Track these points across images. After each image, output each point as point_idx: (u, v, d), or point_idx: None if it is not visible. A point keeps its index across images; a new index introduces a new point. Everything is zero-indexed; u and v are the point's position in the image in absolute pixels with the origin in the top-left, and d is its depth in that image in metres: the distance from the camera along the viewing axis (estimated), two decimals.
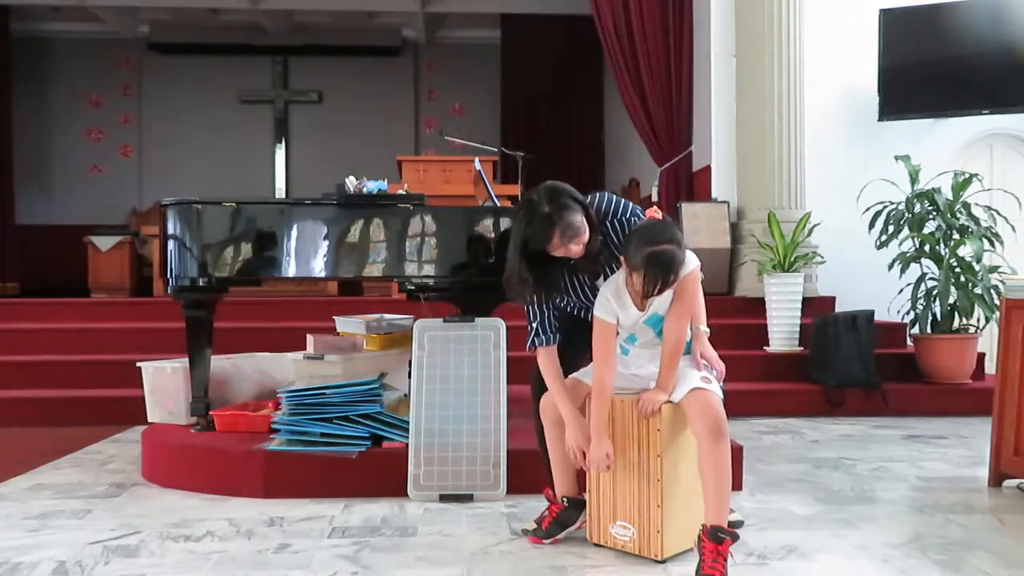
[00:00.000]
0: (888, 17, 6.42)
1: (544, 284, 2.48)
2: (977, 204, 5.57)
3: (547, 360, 2.53)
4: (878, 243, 5.61)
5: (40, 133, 11.40)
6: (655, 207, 2.47)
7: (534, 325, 2.55)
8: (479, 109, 11.76)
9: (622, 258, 2.37)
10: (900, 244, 5.59)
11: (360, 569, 2.40)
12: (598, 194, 2.53)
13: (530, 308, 2.56)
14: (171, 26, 11.31)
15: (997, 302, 5.12)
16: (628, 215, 2.48)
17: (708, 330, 2.57)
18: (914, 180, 5.66)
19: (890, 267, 5.55)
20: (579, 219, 2.34)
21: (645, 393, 2.42)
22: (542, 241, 2.35)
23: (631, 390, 2.51)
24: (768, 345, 5.61)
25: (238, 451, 3.25)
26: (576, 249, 2.38)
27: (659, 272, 2.25)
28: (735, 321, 5.82)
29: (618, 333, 2.48)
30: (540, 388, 2.63)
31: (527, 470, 3.09)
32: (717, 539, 2.24)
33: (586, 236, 2.37)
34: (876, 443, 4.26)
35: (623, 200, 2.51)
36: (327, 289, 7.51)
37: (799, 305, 5.56)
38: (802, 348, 5.53)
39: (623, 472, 2.47)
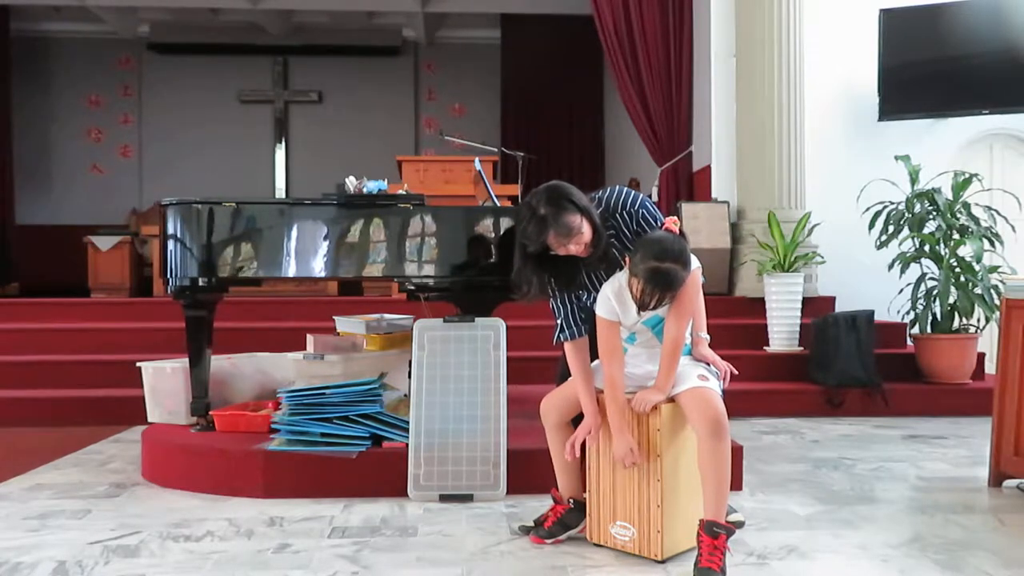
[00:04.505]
0: (888, 17, 6.43)
1: (556, 281, 2.48)
2: (977, 204, 5.57)
3: (575, 353, 2.54)
4: (878, 243, 5.61)
5: (40, 133, 11.38)
6: (674, 219, 2.44)
7: (559, 320, 2.56)
8: (479, 109, 11.75)
9: (627, 259, 2.37)
10: (900, 244, 5.59)
11: (360, 569, 2.40)
12: (609, 188, 2.53)
13: (553, 304, 2.57)
14: (171, 26, 11.31)
15: (997, 302, 5.12)
16: (637, 207, 2.47)
17: (708, 337, 2.58)
18: (914, 180, 5.66)
19: (890, 267, 5.55)
20: (576, 220, 2.33)
21: (641, 391, 2.43)
22: (538, 242, 2.36)
23: (628, 388, 2.51)
24: (768, 345, 5.61)
25: (238, 451, 3.25)
26: (576, 249, 2.38)
27: (657, 289, 2.27)
28: (735, 321, 5.82)
29: None
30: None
31: (527, 470, 3.10)
32: (713, 533, 2.27)
33: (586, 236, 2.37)
34: (876, 443, 4.26)
35: (633, 192, 2.51)
36: (327, 289, 7.51)
37: (799, 305, 5.56)
38: (802, 348, 5.53)
39: (623, 472, 2.47)
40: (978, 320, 5.41)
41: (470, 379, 3.18)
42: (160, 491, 3.33)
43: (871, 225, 5.66)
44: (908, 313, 5.52)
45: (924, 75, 6.37)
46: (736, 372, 2.56)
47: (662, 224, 2.45)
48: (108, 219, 10.48)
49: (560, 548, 2.57)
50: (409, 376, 3.33)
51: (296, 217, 3.53)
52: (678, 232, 2.40)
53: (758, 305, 5.87)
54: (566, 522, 2.63)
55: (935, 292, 5.32)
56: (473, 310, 3.34)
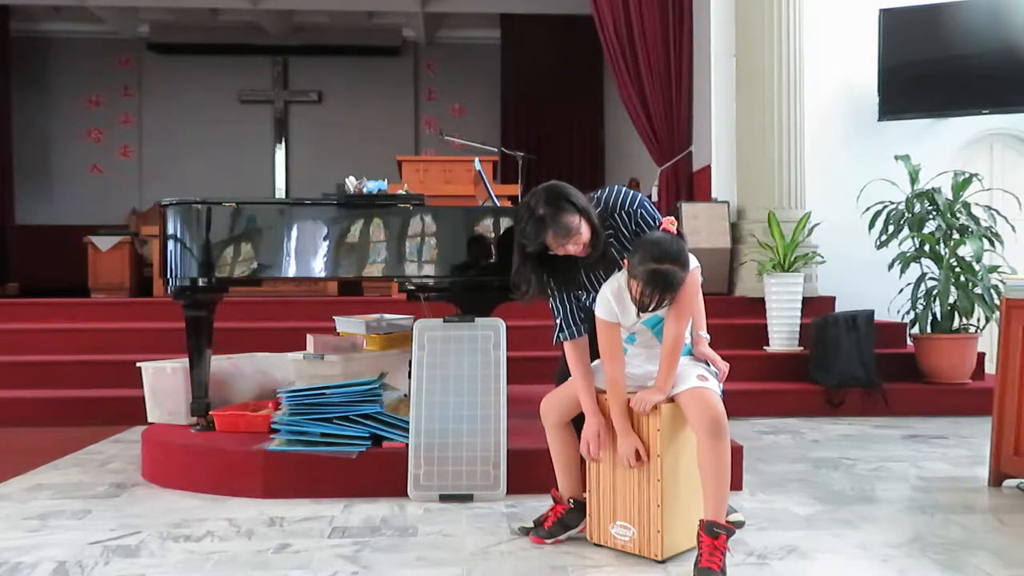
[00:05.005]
0: (888, 17, 6.43)
1: (555, 280, 2.49)
2: (977, 204, 5.57)
3: (574, 353, 2.54)
4: (878, 243, 5.61)
5: (40, 133, 11.39)
6: (671, 219, 2.44)
7: (558, 320, 2.56)
8: (479, 109, 11.75)
9: (625, 261, 2.37)
10: (900, 244, 5.59)
11: (360, 569, 2.40)
12: (608, 188, 2.53)
13: (552, 304, 2.57)
14: (171, 26, 11.31)
15: (997, 302, 5.12)
16: (636, 207, 2.47)
17: (708, 336, 2.57)
18: (914, 180, 5.66)
19: (890, 267, 5.55)
20: (574, 220, 2.33)
21: (641, 392, 2.43)
22: (536, 241, 2.36)
23: (628, 388, 2.51)
24: (768, 345, 5.61)
25: (238, 451, 3.25)
26: (574, 249, 2.38)
27: (657, 290, 2.27)
28: (735, 321, 5.82)
29: None
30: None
31: (527, 470, 3.10)
32: (713, 534, 2.27)
33: (584, 236, 2.37)
34: (876, 443, 4.26)
35: (631, 191, 2.51)
36: (327, 289, 7.51)
37: (799, 305, 5.56)
38: (802, 348, 5.53)
39: (623, 472, 2.47)
40: (978, 320, 5.41)
41: (470, 379, 3.18)
42: (160, 491, 3.33)
43: (871, 225, 5.66)
44: (908, 313, 5.52)
45: (924, 75, 6.37)
46: (726, 369, 2.55)
47: (660, 224, 2.45)
48: (108, 219, 10.49)
49: (560, 548, 2.57)
50: (409, 376, 3.33)
51: (296, 217, 3.53)
52: (675, 232, 2.39)
53: (758, 305, 5.87)
54: (566, 522, 2.62)
55: (935, 292, 5.32)
56: (473, 310, 3.34)
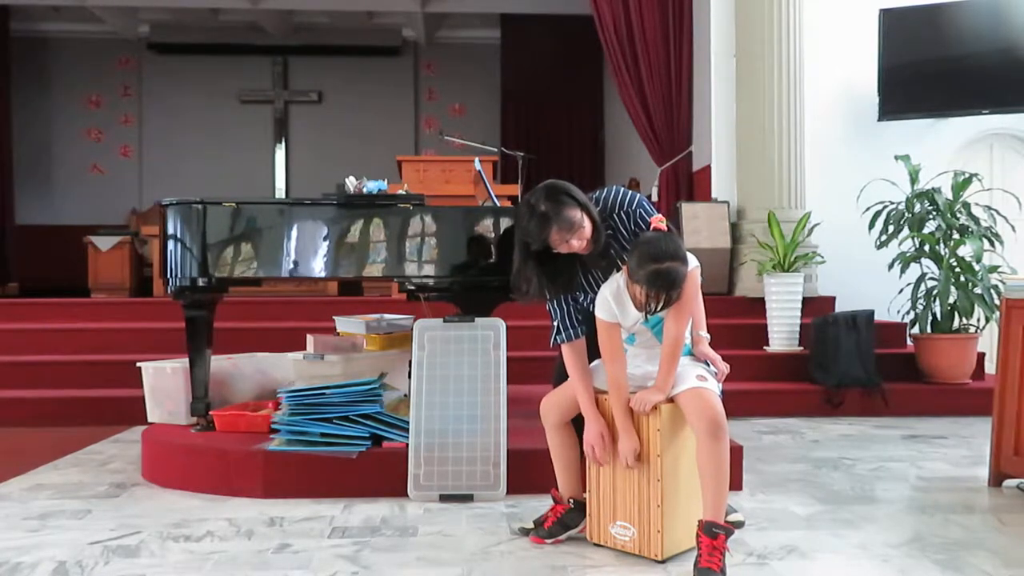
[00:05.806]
0: (888, 17, 6.43)
1: (556, 282, 2.48)
2: (977, 204, 5.57)
3: (572, 355, 2.53)
4: (878, 243, 5.61)
5: (40, 133, 11.39)
6: (661, 217, 2.44)
7: (555, 323, 2.56)
8: (479, 109, 11.76)
9: (624, 266, 2.37)
10: (900, 244, 5.59)
11: (360, 569, 2.40)
12: (605, 188, 2.53)
13: (550, 306, 2.56)
14: (171, 26, 11.32)
15: (997, 302, 5.12)
16: (635, 207, 2.47)
17: (709, 336, 2.57)
18: (914, 180, 5.66)
19: (890, 267, 5.55)
20: (576, 214, 2.33)
21: (641, 392, 2.42)
22: (540, 238, 2.35)
23: (628, 389, 2.51)
24: (768, 345, 5.61)
25: (238, 451, 3.25)
26: (578, 244, 2.37)
27: (661, 290, 2.26)
28: (735, 321, 5.82)
29: None
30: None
31: (527, 470, 3.10)
32: (712, 534, 2.27)
33: (587, 232, 2.36)
34: (876, 443, 4.26)
35: (629, 191, 2.51)
36: (327, 289, 7.51)
37: (799, 305, 5.56)
38: (802, 348, 5.53)
39: (623, 472, 2.47)
40: (978, 320, 5.41)
41: (470, 379, 3.18)
42: (160, 491, 3.33)
43: (871, 225, 5.66)
44: (908, 313, 5.52)
45: (924, 75, 6.37)
46: (725, 370, 2.55)
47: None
48: (108, 219, 10.49)
49: (560, 548, 2.57)
50: (409, 376, 3.33)
51: (296, 217, 3.53)
52: (666, 230, 2.39)
53: (758, 305, 5.87)
54: (566, 522, 2.62)
55: (935, 292, 5.32)
56: (473, 310, 3.34)
